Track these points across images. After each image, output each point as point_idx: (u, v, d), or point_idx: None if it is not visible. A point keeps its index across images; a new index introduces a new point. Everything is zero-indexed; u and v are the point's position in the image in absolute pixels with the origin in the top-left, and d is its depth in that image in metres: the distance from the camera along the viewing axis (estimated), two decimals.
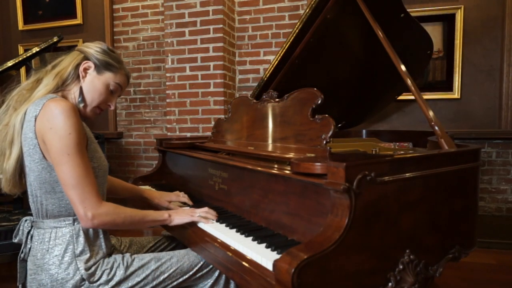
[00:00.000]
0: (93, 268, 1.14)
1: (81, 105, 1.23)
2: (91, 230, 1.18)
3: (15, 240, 1.24)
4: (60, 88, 1.21)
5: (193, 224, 1.32)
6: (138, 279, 1.18)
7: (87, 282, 1.12)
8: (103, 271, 1.15)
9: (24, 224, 1.23)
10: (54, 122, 1.08)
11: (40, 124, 1.10)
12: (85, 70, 1.24)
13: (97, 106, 1.27)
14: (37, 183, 1.14)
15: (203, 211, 1.32)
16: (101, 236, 1.20)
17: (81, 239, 1.14)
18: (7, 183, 1.21)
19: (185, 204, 1.56)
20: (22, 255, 1.21)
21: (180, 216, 1.30)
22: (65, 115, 1.08)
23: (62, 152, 1.07)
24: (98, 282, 1.13)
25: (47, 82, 1.19)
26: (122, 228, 1.18)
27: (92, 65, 1.24)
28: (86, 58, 1.24)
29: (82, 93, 1.23)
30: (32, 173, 1.14)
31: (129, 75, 1.35)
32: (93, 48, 1.25)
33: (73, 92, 1.24)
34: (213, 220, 1.30)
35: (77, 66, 1.23)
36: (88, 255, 1.14)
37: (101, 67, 1.24)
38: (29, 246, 1.19)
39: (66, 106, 1.09)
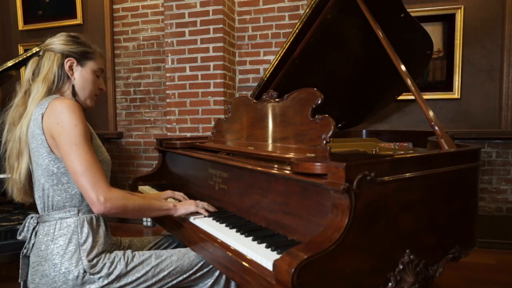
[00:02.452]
0: (94, 260, 1.16)
1: (76, 99, 1.29)
2: (94, 220, 1.22)
3: (20, 237, 1.28)
4: (54, 91, 1.26)
5: (192, 224, 1.32)
6: (138, 274, 1.19)
7: (88, 274, 1.13)
8: (104, 264, 1.16)
9: (30, 221, 1.26)
10: (60, 117, 1.14)
11: (47, 121, 1.15)
12: (70, 67, 1.28)
13: (94, 94, 1.35)
14: (44, 176, 1.19)
15: (205, 204, 1.40)
16: (102, 226, 1.24)
17: (85, 229, 1.18)
18: (19, 192, 1.28)
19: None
20: (25, 251, 1.24)
21: (184, 206, 1.37)
22: (70, 110, 1.15)
23: (70, 143, 1.13)
24: (99, 275, 1.15)
25: (37, 89, 1.23)
26: (131, 215, 1.23)
27: (74, 60, 1.28)
28: (64, 55, 1.27)
29: (75, 90, 1.29)
30: (39, 168, 1.19)
31: (102, 54, 1.40)
32: (63, 43, 1.28)
33: (70, 93, 1.29)
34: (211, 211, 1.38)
35: (61, 66, 1.26)
36: (90, 245, 1.16)
37: (81, 59, 1.29)
38: (32, 242, 1.22)
39: (70, 103, 1.16)
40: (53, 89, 1.25)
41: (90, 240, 1.17)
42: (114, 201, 1.15)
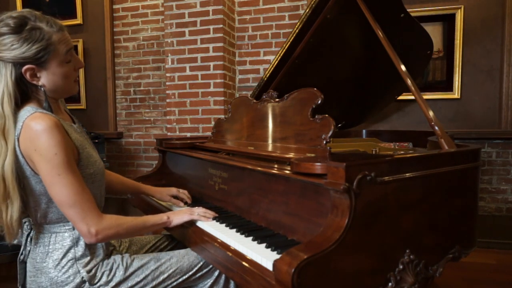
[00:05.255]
0: (93, 270, 1.13)
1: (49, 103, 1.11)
2: None
3: (14, 242, 1.23)
4: (22, 106, 1.08)
5: (193, 224, 1.32)
6: (138, 279, 1.18)
7: (87, 284, 1.12)
8: (103, 273, 1.15)
9: (24, 226, 1.21)
10: (37, 143, 1.00)
11: (24, 145, 1.03)
12: (33, 77, 1.07)
13: (73, 81, 1.17)
14: (32, 196, 1.10)
15: (202, 210, 1.34)
16: None
17: (82, 243, 1.14)
18: (11, 236, 1.10)
19: (184, 203, 1.58)
20: (21, 257, 1.20)
21: (179, 216, 1.30)
22: (47, 134, 1.00)
23: (52, 174, 1.02)
24: (98, 284, 1.13)
25: (1, 114, 1.03)
26: (125, 238, 1.18)
27: (34, 67, 1.05)
28: (17, 65, 1.04)
29: (47, 98, 1.10)
30: (26, 187, 1.10)
31: (61, 28, 1.10)
32: (10, 48, 1.02)
33: (42, 98, 1.11)
34: (210, 219, 1.31)
35: (20, 78, 1.05)
36: (88, 258, 1.14)
37: (40, 61, 1.06)
38: (28, 249, 1.18)
39: (46, 125, 1.00)
40: (20, 105, 1.07)
41: (87, 253, 1.13)
42: (106, 232, 1.09)
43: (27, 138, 1.02)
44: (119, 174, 1.59)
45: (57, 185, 1.03)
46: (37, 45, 1.04)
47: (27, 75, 1.06)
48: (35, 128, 1.01)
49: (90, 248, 1.15)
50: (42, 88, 1.10)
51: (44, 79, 1.09)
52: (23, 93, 1.09)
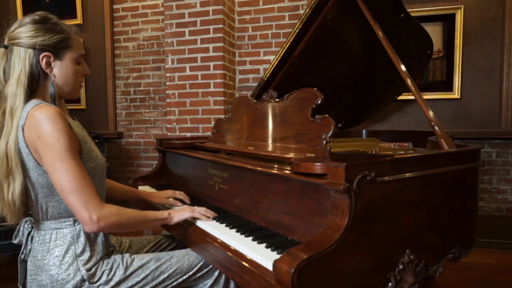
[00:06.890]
0: (93, 269, 1.13)
1: (55, 93, 1.17)
2: None
3: (15, 241, 1.23)
4: (32, 94, 1.13)
5: (193, 224, 1.32)
6: (138, 279, 1.18)
7: (87, 283, 1.12)
8: (103, 272, 1.15)
9: (25, 225, 1.22)
10: (41, 130, 1.04)
11: (28, 134, 1.06)
12: (48, 64, 1.14)
13: (79, 84, 1.23)
14: (35, 187, 1.12)
15: (202, 209, 1.34)
16: (101, 234, 1.19)
17: (82, 239, 1.14)
18: (13, 216, 1.13)
19: (183, 202, 1.58)
20: (22, 256, 1.20)
21: (179, 213, 1.30)
22: (50, 121, 1.04)
23: (54, 159, 1.04)
24: (98, 283, 1.13)
25: (14, 95, 1.09)
26: (126, 229, 1.17)
27: (51, 55, 1.13)
28: (36, 50, 1.11)
29: (56, 88, 1.17)
30: (29, 180, 1.12)
31: (78, 32, 1.22)
32: (33, 35, 1.10)
33: (49, 92, 1.16)
34: (211, 218, 1.31)
35: (36, 64, 1.12)
36: (88, 254, 1.14)
37: (58, 51, 1.14)
38: (29, 247, 1.19)
39: (49, 112, 1.05)
40: (31, 93, 1.12)
41: (87, 250, 1.13)
42: (108, 219, 1.08)
43: (31, 127, 1.06)
44: (118, 183, 1.60)
45: (59, 170, 1.05)
46: (58, 36, 1.14)
47: (43, 62, 1.12)
48: (39, 116, 1.05)
49: (90, 244, 1.15)
50: (51, 78, 1.15)
51: (57, 71, 1.16)
52: (34, 84, 1.13)
